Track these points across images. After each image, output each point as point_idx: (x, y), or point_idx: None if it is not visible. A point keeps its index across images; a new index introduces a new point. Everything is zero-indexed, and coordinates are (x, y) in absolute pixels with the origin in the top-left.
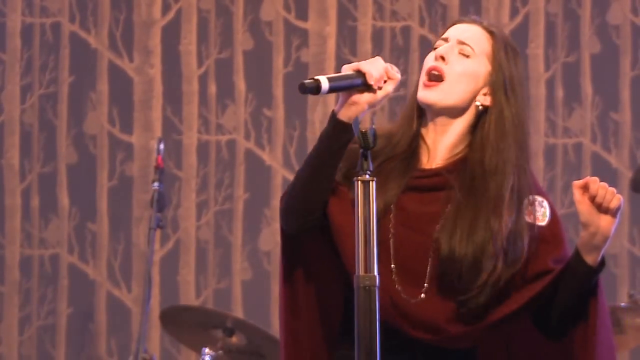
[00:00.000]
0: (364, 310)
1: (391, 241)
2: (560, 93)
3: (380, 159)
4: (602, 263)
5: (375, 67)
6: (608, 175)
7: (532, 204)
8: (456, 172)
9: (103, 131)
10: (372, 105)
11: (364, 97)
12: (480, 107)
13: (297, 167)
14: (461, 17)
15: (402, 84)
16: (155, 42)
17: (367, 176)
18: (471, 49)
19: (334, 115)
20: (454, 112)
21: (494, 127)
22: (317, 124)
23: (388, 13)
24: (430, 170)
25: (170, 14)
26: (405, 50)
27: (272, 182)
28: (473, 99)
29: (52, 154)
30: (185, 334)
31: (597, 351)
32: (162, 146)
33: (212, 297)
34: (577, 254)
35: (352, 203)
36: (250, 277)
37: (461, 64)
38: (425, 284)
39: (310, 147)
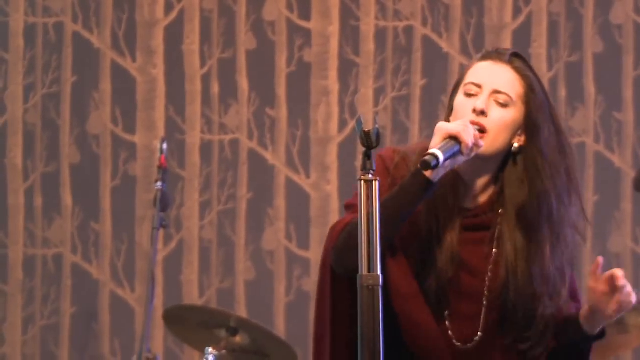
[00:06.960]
0: (367, 310)
1: (447, 284)
2: (563, 93)
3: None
4: (602, 332)
5: (469, 137)
6: (611, 174)
7: None
8: (493, 211)
9: (106, 131)
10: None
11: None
12: (515, 148)
13: (300, 167)
14: (488, 52)
15: (405, 84)
16: (158, 41)
17: (370, 176)
18: (508, 97)
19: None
20: (493, 156)
21: (531, 164)
22: (319, 124)
23: (391, 13)
24: (477, 208)
25: (173, 14)
26: (407, 50)
27: (275, 181)
28: (511, 142)
29: (55, 153)
30: (188, 334)
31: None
32: (165, 146)
33: (215, 296)
34: (578, 324)
35: (410, 268)
36: (253, 277)
37: (500, 115)
38: (480, 332)
39: (312, 146)
